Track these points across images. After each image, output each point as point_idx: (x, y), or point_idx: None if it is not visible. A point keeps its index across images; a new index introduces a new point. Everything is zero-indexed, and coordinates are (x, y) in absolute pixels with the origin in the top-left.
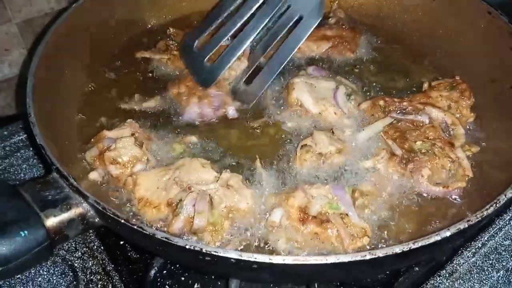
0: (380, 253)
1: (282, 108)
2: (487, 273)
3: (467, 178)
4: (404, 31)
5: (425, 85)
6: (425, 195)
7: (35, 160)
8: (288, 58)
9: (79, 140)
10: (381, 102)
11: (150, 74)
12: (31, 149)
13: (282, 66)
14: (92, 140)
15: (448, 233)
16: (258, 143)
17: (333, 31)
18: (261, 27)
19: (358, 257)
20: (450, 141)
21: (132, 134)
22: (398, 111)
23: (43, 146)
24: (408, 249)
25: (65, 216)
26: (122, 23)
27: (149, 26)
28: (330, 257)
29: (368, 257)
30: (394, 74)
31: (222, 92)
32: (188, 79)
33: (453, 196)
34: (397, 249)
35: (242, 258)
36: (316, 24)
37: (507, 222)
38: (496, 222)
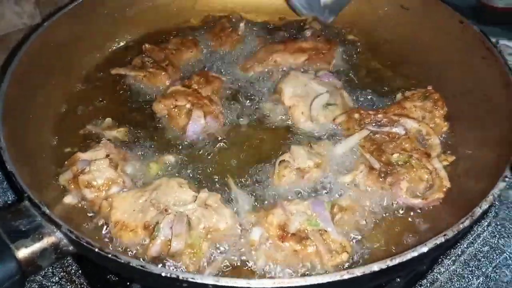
0: (358, 272)
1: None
2: (467, 280)
3: (444, 189)
4: (379, 42)
5: (399, 96)
6: (402, 208)
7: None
8: None
9: (53, 163)
10: (356, 115)
11: (126, 92)
12: None
13: None
14: (66, 162)
15: (425, 249)
16: (235, 158)
17: (309, 43)
18: None
19: (337, 277)
20: (426, 151)
21: (107, 156)
22: (374, 124)
23: (13, 173)
24: (386, 266)
25: (37, 246)
26: (97, 40)
27: (125, 43)
28: (309, 278)
29: (346, 276)
30: (370, 85)
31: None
32: (187, 92)
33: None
34: (375, 267)
35: (220, 284)
36: None
37: (485, 229)
38: (475, 229)
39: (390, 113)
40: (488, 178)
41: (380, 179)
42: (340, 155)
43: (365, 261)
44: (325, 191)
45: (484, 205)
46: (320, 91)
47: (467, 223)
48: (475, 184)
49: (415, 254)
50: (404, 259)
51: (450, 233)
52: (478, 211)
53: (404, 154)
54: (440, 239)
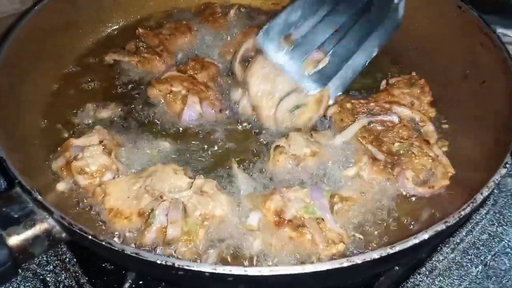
0: (358, 259)
1: None
2: (466, 268)
3: (449, 175)
4: None
5: (383, 83)
6: (404, 197)
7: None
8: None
9: (45, 149)
10: (348, 105)
11: (119, 77)
12: None
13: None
14: (58, 148)
15: (426, 236)
16: (232, 143)
17: None
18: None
19: (336, 264)
20: (425, 139)
21: (100, 142)
22: (367, 113)
23: (4, 159)
24: (386, 254)
25: (29, 233)
26: (89, 24)
27: (117, 27)
28: (307, 267)
29: (346, 264)
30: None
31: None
32: (183, 78)
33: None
34: (375, 255)
35: (217, 272)
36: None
37: (484, 216)
38: (473, 217)
39: (380, 101)
40: (488, 165)
41: (386, 170)
42: (339, 145)
43: (363, 252)
44: (327, 180)
45: (486, 192)
46: (287, 89)
47: (468, 210)
48: (474, 171)
49: (416, 241)
50: (405, 246)
51: (451, 220)
52: (479, 197)
53: (404, 142)
54: (441, 226)
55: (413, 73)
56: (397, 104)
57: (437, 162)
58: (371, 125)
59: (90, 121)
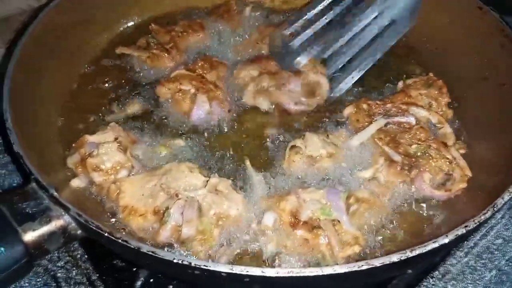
0: (377, 262)
1: None
2: (480, 273)
3: (467, 178)
4: None
5: (400, 84)
6: (420, 200)
7: (14, 166)
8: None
9: (61, 145)
10: (365, 106)
11: (131, 74)
12: None
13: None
14: (73, 145)
15: (446, 240)
16: (246, 142)
17: None
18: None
19: (354, 267)
20: (442, 141)
21: (115, 139)
22: (383, 114)
23: (21, 155)
24: (406, 257)
25: (44, 229)
26: (104, 21)
27: (133, 24)
28: (325, 269)
29: (364, 267)
30: (378, 73)
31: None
32: (192, 76)
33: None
34: (395, 258)
35: (234, 272)
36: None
37: (499, 221)
38: (488, 221)
39: (397, 102)
40: (507, 169)
41: (403, 172)
42: (356, 146)
43: (379, 254)
44: (342, 182)
45: (507, 197)
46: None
47: (489, 214)
48: (492, 175)
49: (436, 245)
50: (425, 250)
51: (471, 224)
52: (500, 202)
53: (422, 144)
54: (461, 230)
55: (431, 74)
56: (414, 105)
57: (455, 164)
58: (388, 126)
59: (104, 118)
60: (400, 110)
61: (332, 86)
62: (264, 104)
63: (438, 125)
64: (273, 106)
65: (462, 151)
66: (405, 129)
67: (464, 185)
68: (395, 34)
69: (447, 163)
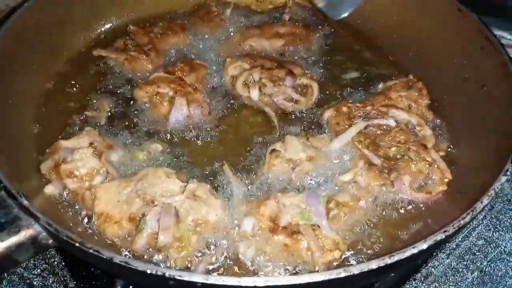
0: (355, 270)
1: None
2: (462, 274)
3: (446, 181)
4: (374, 29)
5: (381, 86)
6: (400, 204)
7: None
8: None
9: (35, 151)
10: (345, 109)
11: (108, 76)
12: None
13: None
14: (47, 150)
15: (424, 246)
16: (225, 146)
17: (286, 28)
18: None
19: (333, 275)
20: (422, 143)
21: (91, 144)
22: (363, 117)
23: None
24: (384, 264)
25: (13, 240)
26: (81, 22)
27: (111, 25)
28: (303, 277)
29: (343, 274)
30: (359, 74)
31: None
32: (170, 79)
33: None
34: (373, 265)
35: (209, 282)
36: None
37: (480, 222)
38: (468, 225)
39: (377, 104)
40: (488, 172)
41: (384, 176)
42: (336, 150)
43: (359, 260)
44: (323, 186)
45: (486, 200)
46: None
47: (468, 218)
48: (473, 178)
49: (414, 251)
50: (403, 257)
51: (450, 229)
52: (479, 206)
53: (401, 147)
54: (440, 236)
55: (411, 76)
56: (394, 108)
57: (435, 167)
58: (368, 129)
59: (79, 122)
60: (380, 113)
61: None
62: (254, 94)
63: (418, 128)
64: (262, 99)
65: (442, 154)
66: (385, 132)
67: (444, 187)
68: None
69: (427, 165)
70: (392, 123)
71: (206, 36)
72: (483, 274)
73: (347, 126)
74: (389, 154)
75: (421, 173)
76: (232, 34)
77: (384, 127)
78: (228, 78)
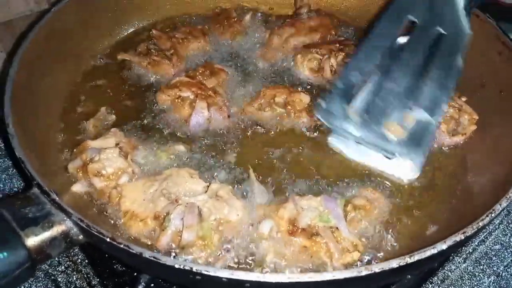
0: (376, 268)
1: None
2: (478, 279)
3: (475, 121)
4: None
5: None
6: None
7: (14, 170)
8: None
9: (62, 150)
10: None
11: (132, 80)
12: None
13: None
14: (75, 150)
15: (444, 246)
16: (247, 150)
17: (315, 21)
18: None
19: (354, 273)
20: None
21: (117, 144)
22: None
23: (23, 160)
24: (405, 263)
25: (47, 234)
26: (106, 26)
27: (134, 29)
28: (325, 274)
29: (364, 273)
30: None
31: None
32: (191, 83)
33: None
34: (394, 264)
35: (234, 278)
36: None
37: (497, 227)
38: (486, 227)
39: None
40: (506, 175)
41: None
42: None
43: (378, 261)
44: (340, 189)
45: (504, 203)
46: None
47: (487, 220)
48: (492, 181)
49: (434, 251)
50: (423, 256)
51: (469, 231)
52: (498, 208)
53: None
54: (459, 236)
55: None
56: None
57: (462, 111)
58: None
59: (105, 124)
60: None
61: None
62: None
63: None
64: None
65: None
66: None
67: (474, 127)
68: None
69: (457, 110)
70: None
71: (226, 43)
72: (499, 278)
73: None
74: None
75: (452, 119)
76: (255, 39)
77: None
78: (308, 73)
